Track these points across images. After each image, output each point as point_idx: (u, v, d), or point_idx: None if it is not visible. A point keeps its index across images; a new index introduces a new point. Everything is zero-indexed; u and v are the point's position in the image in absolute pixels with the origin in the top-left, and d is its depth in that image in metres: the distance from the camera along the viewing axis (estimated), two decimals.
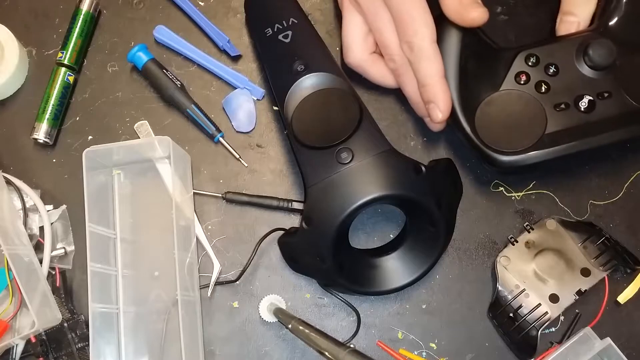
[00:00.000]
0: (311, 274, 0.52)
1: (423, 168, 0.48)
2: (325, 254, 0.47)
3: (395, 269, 0.50)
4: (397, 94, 0.56)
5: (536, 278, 0.51)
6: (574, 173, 0.54)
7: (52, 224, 0.53)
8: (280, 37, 0.51)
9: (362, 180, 0.46)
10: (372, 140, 0.47)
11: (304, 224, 0.48)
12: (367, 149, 0.47)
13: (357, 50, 0.52)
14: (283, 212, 0.54)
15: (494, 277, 0.52)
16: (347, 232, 0.50)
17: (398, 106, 0.56)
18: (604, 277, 0.51)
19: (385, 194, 0.46)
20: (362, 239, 0.53)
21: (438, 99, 0.48)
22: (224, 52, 0.57)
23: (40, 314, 0.47)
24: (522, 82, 0.50)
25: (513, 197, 0.54)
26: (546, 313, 0.50)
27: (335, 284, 0.51)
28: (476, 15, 0.47)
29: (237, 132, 0.55)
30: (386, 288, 0.50)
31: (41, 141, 0.54)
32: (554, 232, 0.52)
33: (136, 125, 0.56)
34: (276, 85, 0.51)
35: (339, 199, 0.46)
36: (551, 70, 0.50)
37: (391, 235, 0.53)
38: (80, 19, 0.56)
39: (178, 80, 0.55)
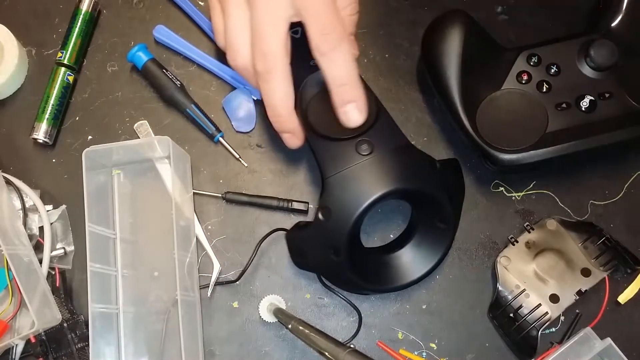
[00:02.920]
0: (319, 268, 0.51)
1: (437, 164, 0.48)
2: (341, 246, 0.47)
3: (403, 265, 0.50)
4: (397, 94, 0.56)
5: (536, 278, 0.51)
6: (575, 173, 0.54)
7: (51, 224, 0.53)
8: (290, 33, 0.51)
9: (382, 173, 0.46)
10: (390, 134, 0.48)
11: (320, 215, 0.48)
12: (387, 141, 0.47)
13: (246, 52, 0.46)
14: (283, 212, 0.54)
15: (494, 277, 0.52)
16: (360, 226, 0.49)
17: (398, 106, 0.56)
18: (605, 278, 0.51)
19: (406, 187, 0.46)
20: (362, 239, 0.53)
21: (358, 97, 0.45)
22: (224, 52, 0.57)
23: (39, 314, 0.47)
24: (523, 82, 0.50)
25: (513, 197, 0.54)
26: (546, 313, 0.50)
27: (342, 279, 0.51)
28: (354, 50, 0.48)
29: (237, 132, 0.55)
30: (397, 284, 0.50)
31: (41, 141, 0.54)
32: (554, 232, 0.52)
33: (136, 125, 0.55)
34: None
35: (359, 189, 0.46)
36: (553, 70, 0.50)
37: (391, 236, 0.53)
38: (80, 18, 0.56)
39: (178, 80, 0.55)
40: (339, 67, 0.44)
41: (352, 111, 0.45)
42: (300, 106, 0.49)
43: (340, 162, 0.47)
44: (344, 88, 0.44)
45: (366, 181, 0.46)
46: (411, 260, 0.50)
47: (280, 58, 0.44)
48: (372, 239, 0.53)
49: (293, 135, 0.48)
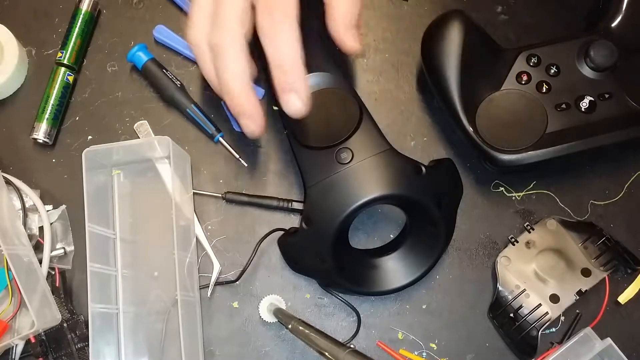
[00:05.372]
0: (311, 274, 0.52)
1: (423, 168, 0.48)
2: (325, 254, 0.47)
3: (395, 269, 0.50)
4: (398, 94, 0.56)
5: (536, 278, 0.51)
6: (575, 173, 0.54)
7: (51, 224, 0.53)
8: None
9: (361, 181, 0.46)
10: (371, 140, 0.47)
11: (303, 224, 0.48)
12: (367, 149, 0.47)
13: (203, 26, 0.44)
14: (283, 212, 0.54)
15: (495, 278, 0.52)
16: (347, 232, 0.50)
17: (398, 106, 0.56)
18: (605, 278, 0.51)
19: (385, 194, 0.46)
20: (362, 239, 0.53)
21: (299, 86, 0.42)
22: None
23: (39, 314, 0.47)
24: (523, 82, 0.50)
25: (513, 197, 0.54)
26: (547, 313, 0.50)
27: (335, 284, 0.51)
28: (351, 43, 0.45)
29: (237, 132, 0.55)
30: (386, 288, 0.50)
31: (41, 141, 0.54)
32: (554, 232, 0.52)
33: (136, 125, 0.55)
34: None
35: (338, 199, 0.46)
36: (552, 71, 0.50)
37: (391, 235, 0.53)
38: (80, 18, 0.56)
39: (178, 80, 0.55)
40: (279, 47, 0.41)
41: (291, 101, 0.43)
42: (286, 115, 0.49)
43: (321, 171, 0.47)
44: (283, 73, 0.42)
45: (345, 190, 0.46)
46: (405, 263, 0.50)
47: (234, 31, 0.42)
48: (372, 239, 0.53)
49: (251, 120, 0.44)
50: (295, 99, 0.43)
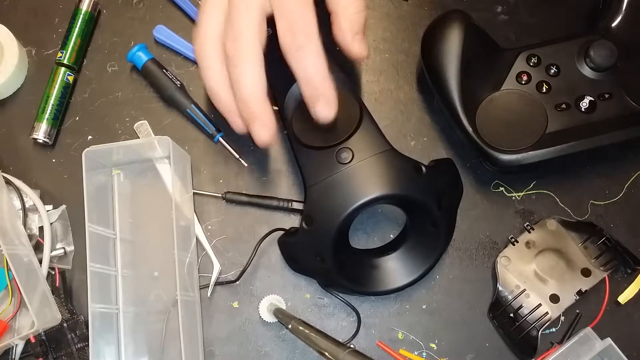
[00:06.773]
0: (311, 274, 0.52)
1: (423, 168, 0.48)
2: (326, 254, 0.47)
3: (395, 269, 0.50)
4: (397, 94, 0.56)
5: (536, 278, 0.51)
6: (575, 173, 0.54)
7: (51, 224, 0.53)
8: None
9: (362, 180, 0.46)
10: (372, 140, 0.47)
11: (304, 224, 0.48)
12: (367, 148, 0.47)
13: (211, 39, 0.45)
14: (283, 212, 0.54)
15: (495, 278, 0.52)
16: (348, 232, 0.50)
17: (398, 106, 0.56)
18: (605, 278, 0.51)
19: (385, 194, 0.46)
20: (362, 239, 0.53)
21: (327, 96, 0.44)
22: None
23: (39, 314, 0.47)
24: (523, 82, 0.50)
25: (513, 197, 0.54)
26: (547, 313, 0.50)
27: (335, 284, 0.51)
28: (358, 50, 0.46)
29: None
30: (387, 288, 0.50)
31: (41, 141, 0.54)
32: (554, 232, 0.52)
33: (136, 125, 0.55)
34: (276, 86, 0.51)
35: (339, 198, 0.46)
36: (552, 71, 0.50)
37: (391, 235, 0.53)
38: (80, 18, 0.56)
39: (178, 80, 0.55)
40: (307, 66, 0.43)
41: (322, 109, 0.45)
42: (286, 116, 0.49)
43: (321, 171, 0.47)
44: (313, 87, 0.44)
45: (346, 190, 0.46)
46: (405, 263, 0.50)
47: (251, 41, 0.43)
48: (372, 240, 0.53)
49: (265, 128, 0.45)
50: (325, 107, 0.44)
